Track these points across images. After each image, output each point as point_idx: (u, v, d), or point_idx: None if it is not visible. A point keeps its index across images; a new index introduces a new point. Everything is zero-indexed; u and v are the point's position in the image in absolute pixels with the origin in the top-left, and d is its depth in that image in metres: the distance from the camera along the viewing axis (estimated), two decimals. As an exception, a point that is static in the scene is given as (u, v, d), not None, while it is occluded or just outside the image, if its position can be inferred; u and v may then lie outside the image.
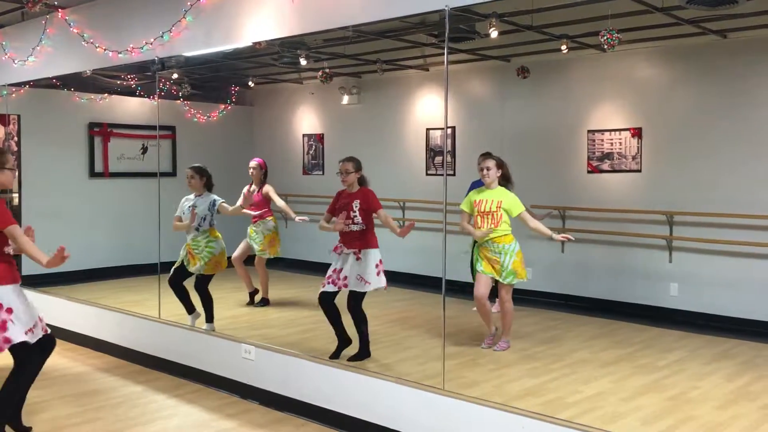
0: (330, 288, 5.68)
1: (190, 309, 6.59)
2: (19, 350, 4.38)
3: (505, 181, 6.22)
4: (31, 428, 4.69)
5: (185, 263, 6.46)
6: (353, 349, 5.73)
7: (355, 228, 5.66)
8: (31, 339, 4.37)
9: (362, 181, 5.84)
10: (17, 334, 4.28)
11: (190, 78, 9.99)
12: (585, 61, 8.17)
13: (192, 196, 6.53)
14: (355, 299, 5.69)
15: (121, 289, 8.70)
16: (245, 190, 7.83)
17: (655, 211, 7.64)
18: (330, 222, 5.83)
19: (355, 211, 5.69)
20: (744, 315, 7.10)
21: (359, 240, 5.67)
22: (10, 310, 4.28)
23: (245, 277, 7.96)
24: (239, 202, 7.64)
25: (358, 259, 5.63)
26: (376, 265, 5.65)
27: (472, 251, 6.44)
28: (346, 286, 5.66)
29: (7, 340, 4.26)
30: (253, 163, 7.83)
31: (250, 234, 7.83)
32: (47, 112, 9.45)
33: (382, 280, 5.69)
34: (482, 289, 6.12)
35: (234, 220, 7.85)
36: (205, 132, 10.67)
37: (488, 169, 6.10)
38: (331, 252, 5.81)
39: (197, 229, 6.40)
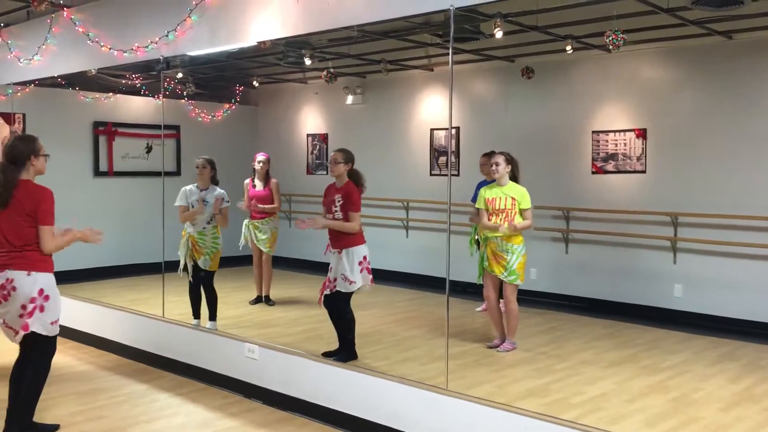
0: (327, 292, 5.69)
1: (198, 314, 6.59)
2: (36, 340, 4.42)
3: (513, 180, 6.22)
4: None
5: (195, 260, 6.44)
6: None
7: None
8: (51, 332, 4.45)
9: (354, 177, 5.72)
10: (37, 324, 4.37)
11: (195, 77, 10.00)
12: (590, 62, 8.16)
13: (194, 188, 6.49)
14: (339, 299, 5.62)
15: (125, 287, 8.72)
16: (247, 184, 7.78)
17: (660, 212, 7.62)
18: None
19: (336, 207, 5.62)
20: (748, 317, 7.08)
21: (341, 239, 5.58)
22: (47, 298, 4.40)
23: (262, 280, 7.96)
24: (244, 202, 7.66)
25: (340, 258, 5.57)
26: (360, 263, 5.56)
27: (480, 249, 6.45)
28: (335, 287, 5.63)
29: (25, 327, 4.33)
30: (262, 158, 7.78)
31: (255, 232, 7.75)
32: (52, 111, 9.46)
33: (367, 278, 5.60)
34: (491, 291, 6.15)
35: (236, 217, 7.86)
36: (210, 131, 10.67)
37: (497, 164, 6.10)
38: (325, 252, 5.79)
39: (208, 222, 6.45)
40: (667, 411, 4.76)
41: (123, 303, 7.16)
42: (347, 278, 5.54)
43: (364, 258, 5.60)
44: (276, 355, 5.36)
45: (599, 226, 8.15)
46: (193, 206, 6.45)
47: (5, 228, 4.35)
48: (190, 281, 6.55)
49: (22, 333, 4.34)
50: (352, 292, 5.63)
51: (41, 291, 4.37)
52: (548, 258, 8.49)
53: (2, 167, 4.39)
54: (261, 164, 7.72)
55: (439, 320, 7.05)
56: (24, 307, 4.32)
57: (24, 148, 4.44)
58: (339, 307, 5.66)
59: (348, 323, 5.69)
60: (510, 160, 6.14)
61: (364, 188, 5.80)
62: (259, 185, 7.75)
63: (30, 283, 4.33)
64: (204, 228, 6.43)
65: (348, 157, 5.71)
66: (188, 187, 6.53)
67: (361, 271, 5.57)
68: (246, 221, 7.80)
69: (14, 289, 4.30)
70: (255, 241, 7.75)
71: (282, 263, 10.23)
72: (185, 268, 6.50)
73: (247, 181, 7.81)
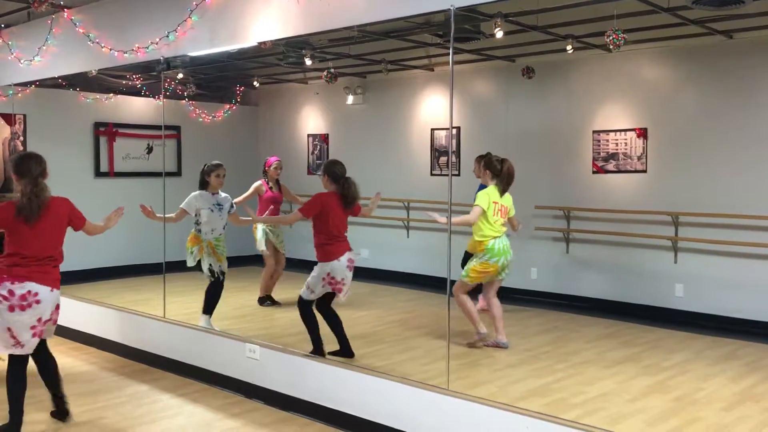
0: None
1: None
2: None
3: (501, 182, 6.21)
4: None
5: (215, 264, 6.44)
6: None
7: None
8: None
9: (342, 187, 5.63)
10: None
11: (196, 78, 10.01)
12: (590, 62, 8.15)
13: (206, 194, 6.41)
14: (299, 299, 5.77)
15: (125, 288, 8.72)
16: (261, 185, 7.72)
17: (660, 212, 7.62)
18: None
19: None
20: (750, 316, 7.08)
21: (316, 252, 5.69)
22: (58, 311, 4.68)
23: (272, 280, 7.94)
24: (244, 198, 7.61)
25: (315, 268, 5.70)
26: (323, 278, 5.60)
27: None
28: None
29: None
30: (277, 162, 7.79)
31: (274, 233, 7.75)
32: (53, 111, 9.47)
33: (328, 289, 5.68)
34: (487, 290, 6.24)
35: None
36: (210, 132, 10.68)
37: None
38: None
39: (224, 228, 6.48)
40: (669, 411, 4.76)
41: (124, 303, 7.17)
42: (308, 286, 5.67)
43: (327, 274, 5.60)
44: (277, 356, 5.36)
45: (600, 225, 8.15)
46: (210, 212, 6.36)
47: (34, 241, 4.41)
48: (215, 284, 6.47)
49: (35, 341, 4.47)
50: (310, 300, 5.73)
51: (58, 306, 4.62)
52: (549, 258, 8.49)
53: (41, 185, 4.48)
54: (278, 170, 7.77)
55: (440, 320, 7.04)
56: (40, 320, 4.46)
57: (39, 168, 4.54)
58: (299, 306, 5.78)
59: (305, 321, 5.75)
60: (487, 165, 6.22)
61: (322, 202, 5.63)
62: (275, 188, 7.78)
63: (53, 299, 4.53)
64: (220, 234, 6.46)
65: (330, 177, 5.67)
66: (200, 194, 6.40)
67: (323, 286, 5.64)
68: (262, 225, 7.74)
69: (38, 302, 4.40)
70: (275, 243, 7.76)
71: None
72: (213, 274, 6.45)
73: (260, 182, 7.74)
